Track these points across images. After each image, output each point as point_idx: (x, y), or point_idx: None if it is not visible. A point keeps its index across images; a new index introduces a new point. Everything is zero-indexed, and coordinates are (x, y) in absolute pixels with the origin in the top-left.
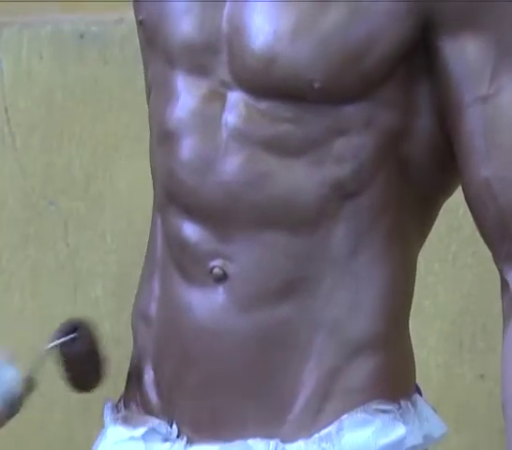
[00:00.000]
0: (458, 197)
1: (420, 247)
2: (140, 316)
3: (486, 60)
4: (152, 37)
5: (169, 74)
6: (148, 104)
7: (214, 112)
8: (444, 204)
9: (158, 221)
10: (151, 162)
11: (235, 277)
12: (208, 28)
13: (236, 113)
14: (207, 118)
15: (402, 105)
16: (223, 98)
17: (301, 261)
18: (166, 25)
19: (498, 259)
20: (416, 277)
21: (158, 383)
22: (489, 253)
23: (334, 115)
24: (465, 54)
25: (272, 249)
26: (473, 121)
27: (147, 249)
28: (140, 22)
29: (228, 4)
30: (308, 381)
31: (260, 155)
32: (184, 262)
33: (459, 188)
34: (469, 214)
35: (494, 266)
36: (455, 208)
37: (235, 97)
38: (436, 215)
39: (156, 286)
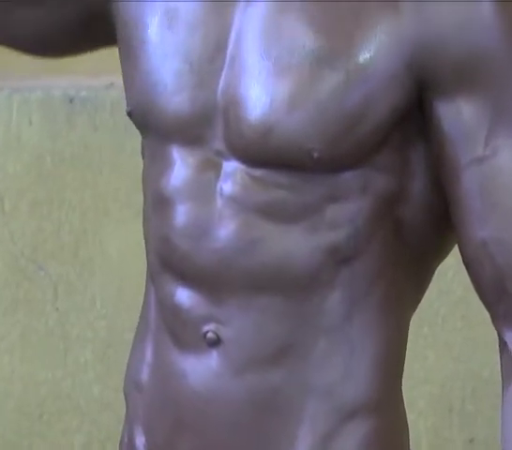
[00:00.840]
0: (448, 260)
1: (414, 310)
2: (132, 381)
3: (481, 121)
4: (142, 122)
5: (163, 146)
6: (143, 171)
7: (209, 180)
8: None
9: (152, 288)
10: (144, 229)
11: (229, 342)
12: (202, 103)
13: (231, 182)
14: (202, 186)
15: (397, 169)
16: (218, 167)
17: (295, 326)
18: (156, 108)
19: (495, 319)
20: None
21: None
22: (478, 317)
23: (329, 182)
24: (461, 116)
25: (266, 314)
26: (469, 182)
27: (141, 315)
28: (129, 114)
29: (223, 76)
30: (302, 446)
31: (254, 221)
32: (177, 327)
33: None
34: (458, 277)
35: (484, 330)
36: (444, 272)
37: (231, 166)
38: (430, 278)
39: (148, 351)
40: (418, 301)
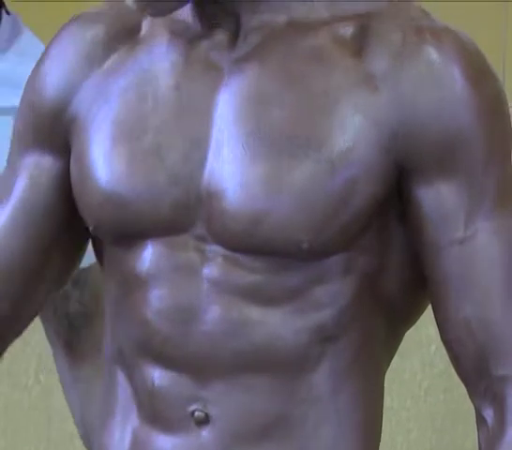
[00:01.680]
0: (430, 333)
1: (384, 374)
2: None
3: (460, 203)
4: (112, 234)
5: (132, 239)
6: (100, 252)
7: (191, 263)
8: (417, 340)
9: (117, 368)
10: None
11: (218, 419)
12: (183, 198)
13: (215, 265)
14: (184, 270)
15: (378, 249)
16: (201, 251)
17: (284, 401)
18: (130, 218)
19: (474, 396)
20: (389, 412)
21: None
22: (460, 389)
23: (313, 267)
24: (440, 199)
25: (254, 391)
26: (450, 263)
27: (104, 395)
28: (94, 230)
29: (207, 167)
30: None
31: (240, 304)
32: (157, 407)
33: (431, 324)
34: (441, 350)
35: (466, 402)
36: (427, 344)
37: (214, 251)
38: (400, 342)
39: (122, 432)
40: (388, 366)
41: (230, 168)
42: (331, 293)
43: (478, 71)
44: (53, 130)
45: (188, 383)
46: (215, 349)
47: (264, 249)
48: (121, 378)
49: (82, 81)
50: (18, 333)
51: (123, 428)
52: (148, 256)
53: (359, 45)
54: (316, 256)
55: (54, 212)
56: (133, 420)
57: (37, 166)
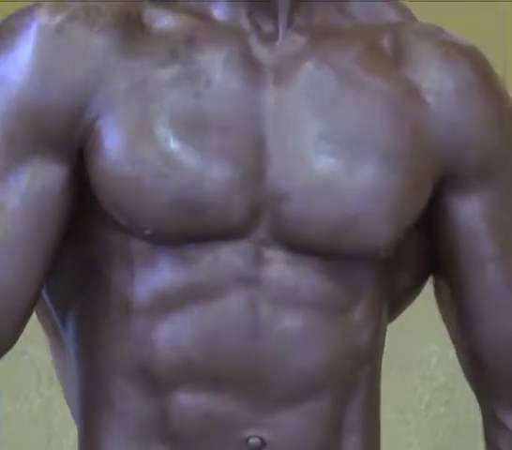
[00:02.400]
0: (431, 347)
1: None
2: None
3: (496, 218)
4: (171, 239)
5: (166, 249)
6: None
7: (252, 270)
8: (418, 355)
9: (132, 394)
10: (121, 336)
11: (273, 446)
12: (248, 202)
13: (277, 271)
14: (245, 277)
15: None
16: (260, 257)
17: (334, 429)
18: (198, 221)
19: (493, 401)
20: (389, 427)
21: None
22: (461, 403)
23: (366, 273)
24: (477, 213)
25: (312, 417)
26: (492, 276)
27: (98, 418)
28: (150, 236)
29: (269, 170)
30: None
31: (306, 313)
32: (204, 435)
33: (431, 337)
34: (442, 364)
35: (467, 416)
36: (427, 358)
37: (275, 256)
38: None
39: None
40: None
41: (303, 170)
42: (371, 302)
43: (502, 89)
44: (66, 135)
45: (247, 407)
46: (282, 366)
47: (344, 256)
48: (136, 400)
49: (107, 73)
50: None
51: None
52: (209, 264)
53: (394, 56)
54: (380, 259)
55: (59, 222)
56: (161, 447)
57: (42, 172)
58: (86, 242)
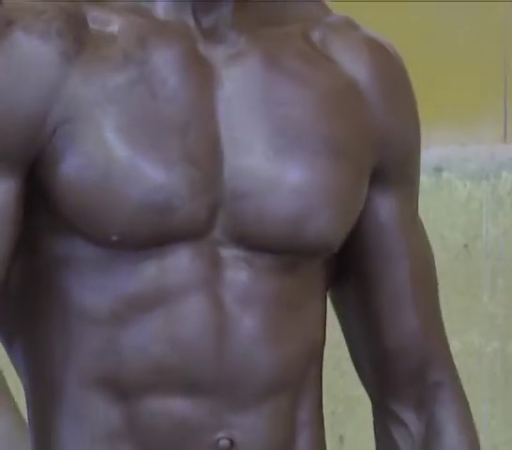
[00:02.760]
0: None
1: None
2: None
3: (408, 214)
4: (137, 243)
5: (130, 253)
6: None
7: (212, 270)
8: None
9: (95, 402)
10: (87, 341)
11: (242, 447)
12: (208, 202)
13: (238, 270)
14: (208, 278)
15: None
16: (218, 256)
17: (292, 426)
18: (165, 224)
19: (393, 401)
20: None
21: None
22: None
23: (320, 268)
24: (393, 209)
25: (277, 416)
26: (402, 274)
27: (64, 430)
28: (116, 242)
29: (225, 170)
30: None
31: (271, 311)
32: (173, 438)
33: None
34: None
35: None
36: None
37: (233, 255)
38: None
39: None
40: None
41: (258, 168)
42: (317, 292)
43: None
44: (22, 150)
45: (217, 410)
46: (249, 366)
47: (299, 252)
48: (101, 407)
49: (63, 81)
50: None
51: None
52: (171, 267)
53: (327, 51)
54: (331, 252)
55: (11, 238)
56: None
57: None
58: (30, 253)
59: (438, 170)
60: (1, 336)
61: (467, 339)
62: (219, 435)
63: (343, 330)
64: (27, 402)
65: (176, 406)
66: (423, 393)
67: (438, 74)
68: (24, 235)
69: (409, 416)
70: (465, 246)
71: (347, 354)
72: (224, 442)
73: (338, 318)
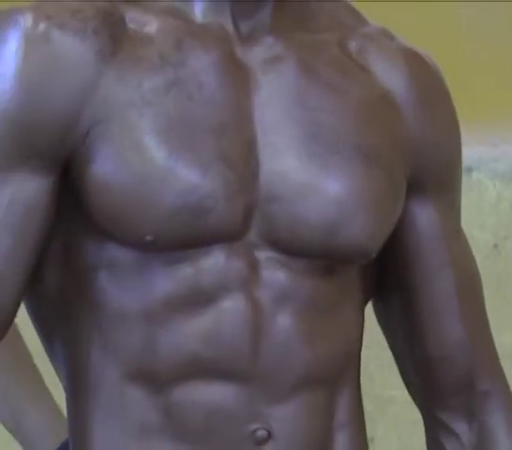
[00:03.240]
0: None
1: None
2: None
3: (449, 225)
4: (170, 245)
5: (168, 254)
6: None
7: (248, 271)
8: None
9: (131, 394)
10: (130, 337)
11: (279, 438)
12: (244, 205)
13: (273, 272)
14: (244, 278)
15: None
16: (254, 258)
17: (328, 421)
18: (199, 226)
19: (443, 410)
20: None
21: None
22: None
23: (353, 271)
24: (433, 220)
25: (314, 409)
26: (446, 283)
27: (98, 424)
28: (151, 242)
29: (260, 175)
30: None
31: (304, 311)
32: (210, 429)
33: None
34: None
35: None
36: None
37: (268, 258)
38: None
39: None
40: None
41: (292, 172)
42: (355, 298)
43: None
44: (54, 148)
45: (254, 400)
46: (285, 361)
47: (335, 256)
48: (137, 401)
49: (97, 80)
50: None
51: None
52: (208, 267)
53: (363, 61)
54: (367, 259)
55: (41, 236)
56: (169, 442)
57: (26, 185)
58: (66, 256)
59: (468, 170)
60: (42, 337)
61: (498, 339)
62: (256, 426)
63: (388, 341)
64: (67, 402)
65: (211, 397)
66: (472, 402)
67: (469, 75)
68: (60, 238)
69: (459, 426)
70: (495, 246)
71: (375, 355)
72: (261, 433)
73: (383, 329)
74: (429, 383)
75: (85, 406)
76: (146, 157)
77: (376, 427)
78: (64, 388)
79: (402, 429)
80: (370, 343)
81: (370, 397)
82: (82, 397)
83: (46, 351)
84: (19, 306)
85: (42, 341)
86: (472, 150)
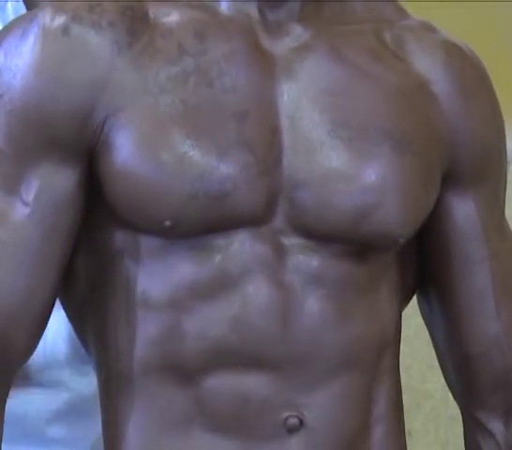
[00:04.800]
0: None
1: None
2: None
3: (488, 218)
4: (189, 230)
5: (197, 239)
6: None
7: (274, 255)
8: None
9: (162, 386)
10: (156, 324)
11: (311, 426)
12: (267, 190)
13: (302, 257)
14: (270, 262)
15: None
16: (279, 243)
17: (363, 412)
18: (219, 210)
19: (480, 409)
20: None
21: None
22: None
23: (387, 255)
24: (472, 212)
25: (347, 396)
26: (484, 277)
27: (129, 418)
28: (170, 228)
29: (284, 159)
30: None
31: (334, 295)
32: (242, 417)
33: None
34: None
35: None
36: None
37: (294, 243)
38: None
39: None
40: None
41: (317, 158)
42: (391, 286)
43: (494, 89)
44: (76, 138)
45: (283, 388)
46: (317, 345)
47: (364, 243)
48: (170, 389)
49: (112, 70)
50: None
51: (187, 444)
52: (233, 252)
53: (400, 51)
54: (397, 246)
55: (72, 227)
56: (200, 432)
57: (51, 177)
58: (93, 247)
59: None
60: (74, 328)
61: None
62: (287, 414)
63: (430, 335)
64: (99, 393)
65: (241, 385)
66: (509, 401)
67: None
68: (87, 229)
69: (495, 425)
70: None
71: (410, 349)
72: (293, 421)
73: (426, 325)
74: (467, 382)
75: (116, 397)
76: (162, 143)
77: (414, 421)
78: (97, 382)
79: (440, 424)
80: (406, 338)
81: (407, 391)
82: (112, 389)
83: (82, 344)
84: (55, 299)
85: (75, 333)
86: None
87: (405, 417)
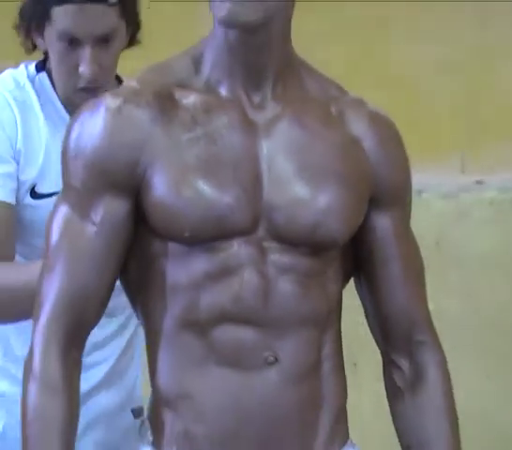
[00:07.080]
0: None
1: None
2: (175, 394)
3: (399, 228)
4: (202, 238)
5: (208, 243)
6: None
7: (259, 254)
8: None
9: (188, 335)
10: (182, 298)
11: (282, 361)
12: (253, 212)
13: (276, 255)
14: (257, 259)
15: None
16: (262, 246)
17: (317, 352)
18: (221, 225)
19: (394, 353)
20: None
21: (212, 440)
22: None
23: (331, 253)
24: (389, 223)
25: (306, 343)
26: (395, 267)
27: (171, 358)
28: (189, 237)
29: (264, 191)
30: (324, 427)
31: (298, 279)
32: (238, 356)
33: None
34: None
35: None
36: None
37: (272, 246)
38: None
39: (203, 381)
40: None
41: (287, 190)
42: (335, 271)
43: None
44: (126, 181)
45: (265, 337)
46: (288, 312)
47: (316, 246)
48: (191, 338)
49: (150, 136)
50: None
51: (204, 374)
52: (232, 252)
53: (341, 119)
54: (338, 247)
55: (125, 239)
56: (213, 366)
57: (112, 206)
58: (140, 250)
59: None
60: (130, 302)
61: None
62: (267, 353)
63: (361, 302)
64: (146, 343)
65: (238, 336)
66: (412, 347)
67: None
68: (135, 240)
69: (403, 363)
70: (436, 243)
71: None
72: (271, 359)
73: (359, 296)
74: (384, 333)
75: (155, 344)
76: (184, 184)
77: (358, 357)
78: (144, 334)
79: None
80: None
81: (356, 338)
82: (152, 340)
83: (134, 311)
84: (115, 284)
85: (131, 305)
86: (423, 176)
87: (351, 354)
